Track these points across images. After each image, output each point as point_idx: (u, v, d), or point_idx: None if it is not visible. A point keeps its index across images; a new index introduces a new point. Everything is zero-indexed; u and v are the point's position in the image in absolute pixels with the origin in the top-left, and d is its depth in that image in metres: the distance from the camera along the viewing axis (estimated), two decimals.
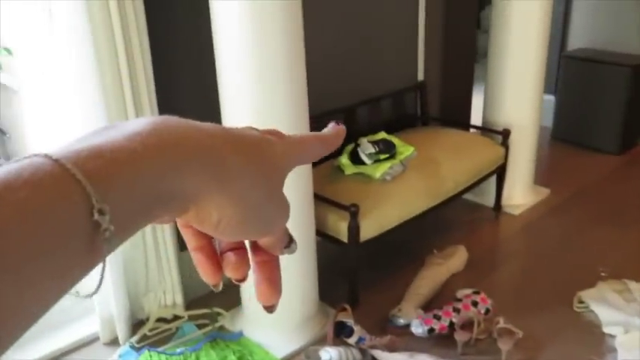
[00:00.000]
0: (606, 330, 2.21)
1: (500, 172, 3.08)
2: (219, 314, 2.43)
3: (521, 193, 3.26)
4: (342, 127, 0.43)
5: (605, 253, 2.74)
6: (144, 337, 2.30)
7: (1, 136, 3.73)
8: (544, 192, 3.37)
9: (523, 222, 3.11)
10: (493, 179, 3.10)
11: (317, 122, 2.64)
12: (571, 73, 4.04)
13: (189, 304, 2.46)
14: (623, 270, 2.56)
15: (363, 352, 2.16)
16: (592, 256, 2.72)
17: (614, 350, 2.11)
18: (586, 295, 2.40)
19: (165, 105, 2.19)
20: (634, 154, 3.91)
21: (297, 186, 2.06)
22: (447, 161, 2.76)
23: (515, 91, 3.09)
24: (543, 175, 3.50)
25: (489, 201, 3.22)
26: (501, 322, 2.18)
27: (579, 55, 4.04)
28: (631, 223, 3.01)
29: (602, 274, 2.53)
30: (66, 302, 1.72)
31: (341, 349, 2.13)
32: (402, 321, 2.31)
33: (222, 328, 2.36)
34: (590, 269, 2.59)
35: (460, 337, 2.17)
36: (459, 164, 2.78)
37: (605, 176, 3.56)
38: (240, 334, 2.27)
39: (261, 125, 0.39)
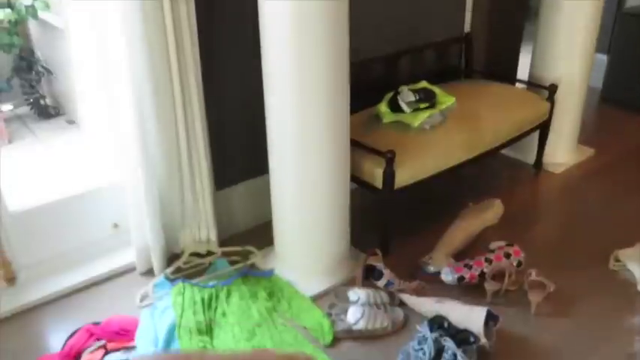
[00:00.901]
0: None
1: (544, 129, 3.00)
2: (251, 252, 2.47)
3: (563, 151, 3.17)
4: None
5: None
6: (178, 270, 2.37)
7: (47, 76, 3.83)
8: (588, 152, 3.28)
9: (563, 181, 3.04)
10: (535, 136, 3.03)
11: (358, 68, 2.62)
12: (627, 31, 3.86)
13: (222, 242, 2.52)
14: None
15: (391, 295, 2.18)
16: (631, 219, 2.65)
17: None
18: (623, 253, 2.35)
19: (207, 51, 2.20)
20: None
21: (334, 131, 2.06)
22: (489, 114, 2.70)
23: (566, 47, 2.97)
24: (589, 135, 3.40)
25: (530, 158, 3.15)
26: (533, 275, 2.16)
27: (638, 13, 3.85)
28: None
29: None
30: (104, 234, 1.80)
31: (369, 291, 2.15)
32: (432, 269, 2.31)
33: (253, 265, 2.41)
34: (628, 230, 2.53)
35: (490, 286, 2.16)
36: (500, 117, 2.71)
37: None
38: (272, 272, 2.31)
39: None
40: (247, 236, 2.59)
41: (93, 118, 3.42)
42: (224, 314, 2.11)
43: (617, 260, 2.34)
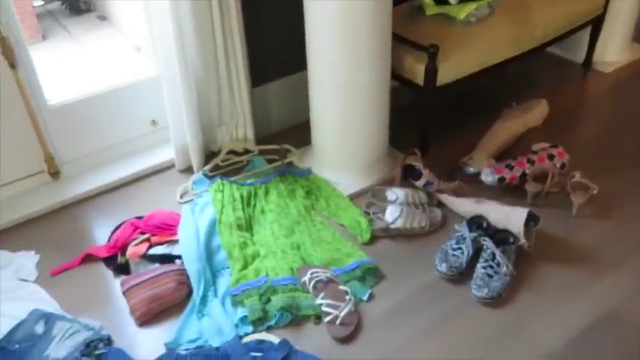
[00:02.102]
0: None
1: (596, 24, 2.82)
2: (288, 151, 2.46)
3: (616, 49, 2.99)
4: None
5: None
6: (216, 167, 2.38)
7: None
8: (639, 51, 3.09)
9: (613, 81, 2.90)
10: (586, 33, 2.85)
11: None
12: None
13: (260, 140, 2.51)
14: None
15: (429, 195, 2.16)
16: None
17: None
18: None
19: None
20: None
21: (375, 24, 1.96)
22: (539, 6, 2.53)
23: None
24: None
25: (579, 57, 2.99)
26: (577, 176, 2.11)
27: None
28: None
29: None
30: (143, 131, 1.78)
31: (408, 190, 2.14)
32: (472, 169, 2.27)
33: (291, 164, 2.40)
34: None
35: (531, 187, 2.12)
36: (551, 10, 2.54)
37: None
38: (309, 170, 2.31)
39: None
40: (284, 135, 2.57)
41: (125, 14, 3.34)
42: (263, 211, 2.14)
43: None
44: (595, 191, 2.08)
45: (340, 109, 2.13)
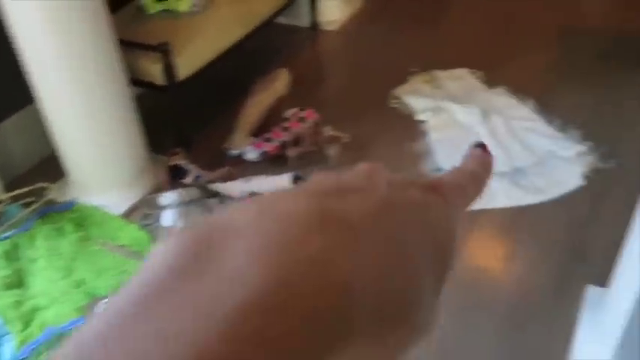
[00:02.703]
0: (419, 117, 2.40)
1: None
2: (44, 188, 2.28)
3: (335, 7, 3.25)
4: (490, 156, 0.32)
5: (416, 51, 2.89)
6: None
7: None
8: (357, 2, 3.40)
9: (341, 36, 3.16)
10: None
11: None
12: None
13: (8, 185, 2.28)
14: (432, 62, 2.74)
15: (202, 188, 2.18)
16: (405, 56, 2.86)
17: (427, 133, 2.31)
18: (399, 90, 2.56)
19: None
20: None
21: (94, 36, 1.88)
22: None
23: None
24: None
25: (305, 21, 3.20)
26: (328, 131, 2.28)
27: None
28: (437, 19, 3.17)
29: (413, 70, 2.69)
30: None
31: (180, 190, 2.13)
32: (235, 151, 2.33)
33: (51, 201, 2.23)
34: (403, 68, 2.73)
35: (292, 152, 2.25)
36: None
37: None
38: (73, 202, 2.17)
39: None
40: (37, 172, 2.37)
41: None
42: (33, 261, 1.97)
43: (396, 97, 2.55)
44: (346, 139, 2.27)
45: (83, 130, 2.03)
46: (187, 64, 2.27)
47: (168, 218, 2.02)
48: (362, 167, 0.27)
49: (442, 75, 2.63)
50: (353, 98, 2.64)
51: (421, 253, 0.23)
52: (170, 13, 2.41)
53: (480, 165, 0.32)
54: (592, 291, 1.58)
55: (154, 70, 2.22)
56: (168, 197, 2.10)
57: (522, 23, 3.02)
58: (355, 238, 0.21)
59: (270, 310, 0.17)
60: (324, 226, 0.20)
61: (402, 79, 2.64)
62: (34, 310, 1.78)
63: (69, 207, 2.15)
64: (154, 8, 2.43)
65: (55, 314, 1.75)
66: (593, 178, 2.02)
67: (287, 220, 0.20)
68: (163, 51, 2.15)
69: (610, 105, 2.38)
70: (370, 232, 0.21)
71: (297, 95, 2.67)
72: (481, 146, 0.33)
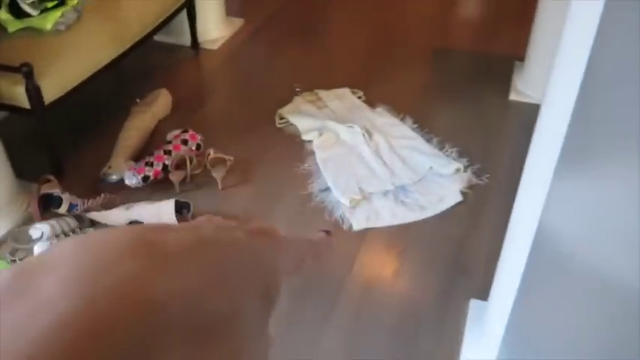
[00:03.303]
0: (305, 137, 2.42)
1: (189, 7, 2.96)
2: None
3: (216, 26, 3.21)
4: (333, 240, 0.40)
5: (299, 70, 2.92)
6: None
7: None
8: (238, 22, 3.38)
9: (223, 55, 3.12)
10: (185, 17, 2.99)
11: None
12: None
13: None
14: (314, 82, 2.78)
15: (79, 218, 2.03)
16: (288, 75, 2.87)
17: (313, 153, 2.33)
18: (284, 110, 2.56)
19: None
20: None
21: None
22: (127, 1, 2.53)
23: None
24: (235, 6, 3.49)
25: (185, 40, 3.12)
26: (212, 153, 2.23)
27: None
28: (318, 38, 3.23)
29: (297, 89, 2.71)
30: None
31: (52, 221, 1.97)
32: (114, 177, 2.21)
33: None
34: (287, 87, 2.74)
35: (175, 177, 2.16)
36: (140, 3, 2.57)
37: None
38: None
39: None
40: None
41: None
42: None
43: (281, 118, 2.55)
44: (232, 161, 2.23)
45: None
46: (54, 87, 2.12)
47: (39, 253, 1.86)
48: (199, 218, 0.30)
49: (325, 94, 2.67)
50: (237, 118, 2.60)
51: (243, 282, 0.26)
52: (32, 31, 2.24)
53: (322, 242, 0.39)
54: (474, 304, 1.66)
55: (17, 93, 2.05)
56: (39, 229, 1.94)
57: (399, 44, 3.16)
58: (167, 263, 0.23)
59: (81, 329, 0.20)
60: (136, 252, 0.23)
61: (286, 99, 2.65)
62: None
63: None
64: (14, 26, 2.24)
65: None
66: (470, 193, 2.14)
67: (101, 249, 0.23)
68: (25, 72, 1.99)
69: (480, 122, 2.54)
70: (184, 260, 0.24)
71: (179, 117, 2.59)
72: (327, 232, 0.40)
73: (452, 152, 2.29)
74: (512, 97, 2.66)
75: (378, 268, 1.89)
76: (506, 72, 2.82)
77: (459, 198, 2.09)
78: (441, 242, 1.96)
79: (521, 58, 2.74)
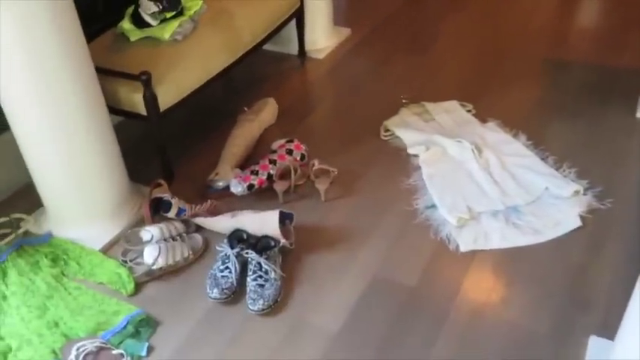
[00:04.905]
0: (411, 151, 2.35)
1: (299, 17, 2.99)
2: (20, 220, 2.18)
3: (322, 36, 3.22)
4: None
5: (406, 81, 2.86)
6: None
7: None
8: (345, 32, 3.37)
9: (329, 65, 3.11)
10: (293, 26, 3.02)
11: None
12: None
13: None
14: (421, 93, 2.71)
15: (186, 223, 2.09)
16: (394, 86, 2.82)
17: (419, 168, 2.26)
18: (390, 123, 2.51)
19: None
20: None
21: (72, 63, 1.79)
22: (241, 11, 2.59)
23: None
24: (342, 15, 3.49)
25: (293, 49, 3.15)
26: (316, 164, 2.21)
27: None
28: (426, 49, 3.15)
29: (404, 100, 2.65)
30: None
31: (162, 225, 2.04)
32: (221, 184, 2.25)
33: (27, 233, 2.13)
34: (392, 99, 2.69)
35: (279, 186, 2.17)
36: (253, 13, 2.62)
37: (399, 7, 3.64)
38: (49, 235, 2.07)
39: None
40: (11, 202, 2.27)
41: None
42: (4, 297, 1.86)
43: (387, 130, 2.49)
44: (335, 172, 2.21)
45: (61, 161, 1.93)
46: (170, 94, 2.20)
47: (148, 255, 1.93)
48: None
49: (433, 107, 2.59)
50: (342, 129, 2.58)
51: None
52: (153, 41, 2.34)
53: None
54: (594, 342, 1.52)
55: (135, 100, 2.14)
56: (149, 232, 2.01)
57: (511, 55, 3.01)
58: None
59: None
60: None
61: (392, 110, 2.60)
62: (5, 353, 1.68)
63: (45, 240, 2.05)
64: (136, 36, 2.35)
65: (28, 357, 1.65)
66: (590, 218, 1.97)
67: None
68: (144, 80, 2.07)
69: (602, 141, 2.36)
70: None
71: (284, 126, 2.61)
72: None
73: (570, 173, 2.14)
74: None
75: (486, 294, 1.79)
76: (634, 87, 2.60)
77: (577, 223, 1.94)
78: (556, 270, 1.82)
79: None
